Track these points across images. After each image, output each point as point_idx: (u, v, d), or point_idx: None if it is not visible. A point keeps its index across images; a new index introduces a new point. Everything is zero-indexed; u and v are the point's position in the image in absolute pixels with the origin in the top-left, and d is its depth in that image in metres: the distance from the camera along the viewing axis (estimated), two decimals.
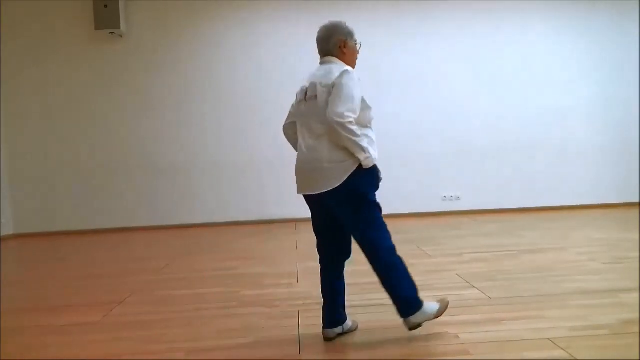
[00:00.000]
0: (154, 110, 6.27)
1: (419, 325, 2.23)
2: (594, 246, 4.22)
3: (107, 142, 6.24)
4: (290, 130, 2.41)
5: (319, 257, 2.40)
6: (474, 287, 3.11)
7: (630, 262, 3.59)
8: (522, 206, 6.54)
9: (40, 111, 6.16)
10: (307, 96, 2.22)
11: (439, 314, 2.29)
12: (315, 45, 2.40)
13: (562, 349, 2.13)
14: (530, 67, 6.55)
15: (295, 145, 2.40)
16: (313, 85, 2.22)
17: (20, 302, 3.23)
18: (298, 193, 2.31)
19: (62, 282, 3.72)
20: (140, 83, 6.25)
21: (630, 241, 4.36)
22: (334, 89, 2.10)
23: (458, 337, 2.31)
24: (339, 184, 2.11)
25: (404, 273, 2.23)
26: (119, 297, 3.21)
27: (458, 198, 6.36)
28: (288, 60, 6.32)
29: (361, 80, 2.17)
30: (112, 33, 6.02)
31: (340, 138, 2.07)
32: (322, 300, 2.35)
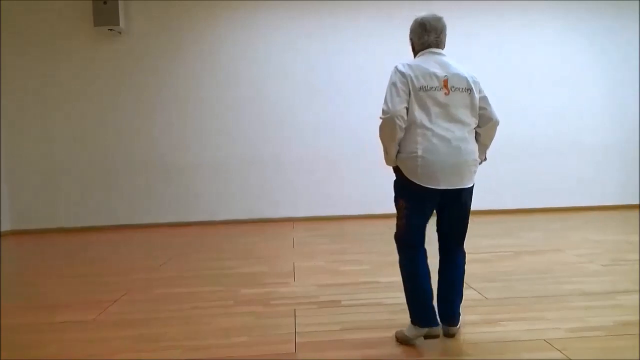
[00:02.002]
0: (152, 107, 6.26)
1: (453, 335, 2.33)
2: (593, 248, 4.21)
3: (105, 140, 6.22)
4: (404, 117, 2.13)
5: (413, 251, 2.26)
6: (471, 287, 3.11)
7: (629, 264, 3.59)
8: (521, 207, 6.54)
9: (39, 108, 6.14)
10: (452, 86, 2.14)
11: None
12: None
13: (559, 350, 2.12)
14: (531, 68, 6.55)
15: (398, 136, 2.15)
16: (459, 77, 2.16)
17: (16, 299, 3.22)
18: (433, 187, 2.13)
19: (58, 280, 3.70)
20: (139, 80, 6.23)
21: (629, 243, 4.36)
22: (480, 87, 2.23)
23: (455, 337, 2.31)
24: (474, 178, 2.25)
25: None
26: (115, 295, 3.20)
27: None
28: (288, 59, 6.32)
29: None
30: (111, 30, 6.01)
31: (491, 137, 2.30)
32: (413, 294, 2.26)
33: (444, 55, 2.24)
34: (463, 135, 2.16)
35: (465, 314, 2.60)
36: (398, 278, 2.90)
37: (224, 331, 2.48)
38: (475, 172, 2.24)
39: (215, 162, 6.33)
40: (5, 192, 6.05)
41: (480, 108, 2.22)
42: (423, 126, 2.13)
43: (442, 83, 2.14)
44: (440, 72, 2.15)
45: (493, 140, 2.35)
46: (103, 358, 2.22)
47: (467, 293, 2.98)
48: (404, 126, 2.14)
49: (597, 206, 6.62)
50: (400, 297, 2.92)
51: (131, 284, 3.45)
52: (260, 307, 2.85)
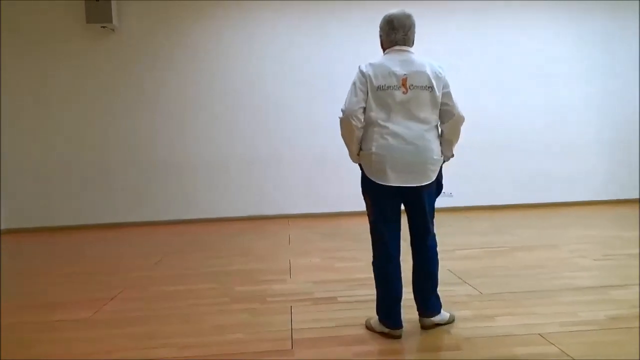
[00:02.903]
0: (147, 105, 6.22)
1: (435, 326, 2.37)
2: (585, 243, 4.25)
3: (100, 137, 6.18)
4: (361, 117, 2.19)
5: (383, 249, 2.29)
6: (466, 283, 3.13)
7: (620, 259, 3.64)
8: (514, 203, 6.59)
9: (32, 106, 6.08)
10: (410, 84, 2.15)
11: (450, 320, 2.44)
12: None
13: (553, 344, 2.15)
14: (525, 65, 6.58)
15: (357, 135, 2.22)
16: (420, 74, 2.16)
17: (12, 298, 3.20)
18: (386, 184, 2.18)
19: (54, 278, 3.69)
20: (132, 77, 6.19)
21: (621, 238, 4.40)
22: (445, 83, 2.22)
23: (450, 332, 2.33)
24: (436, 176, 2.25)
25: None
26: (111, 293, 3.19)
27: (451, 195, 6.39)
28: (285, 57, 6.30)
29: None
30: (104, 27, 5.95)
31: (455, 133, 2.27)
32: (380, 290, 2.33)
33: (410, 52, 2.25)
34: (420, 134, 2.18)
35: (460, 309, 2.62)
36: None
37: (220, 328, 2.49)
38: (433, 170, 2.21)
39: (210, 160, 6.31)
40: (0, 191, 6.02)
41: (443, 104, 2.22)
42: (379, 124, 2.18)
43: (401, 82, 2.17)
44: (400, 71, 2.17)
45: (460, 136, 2.31)
46: (99, 356, 2.22)
47: (461, 288, 3.02)
48: (360, 125, 2.20)
49: (589, 201, 6.68)
50: None
51: (127, 282, 3.44)
52: (256, 304, 2.86)
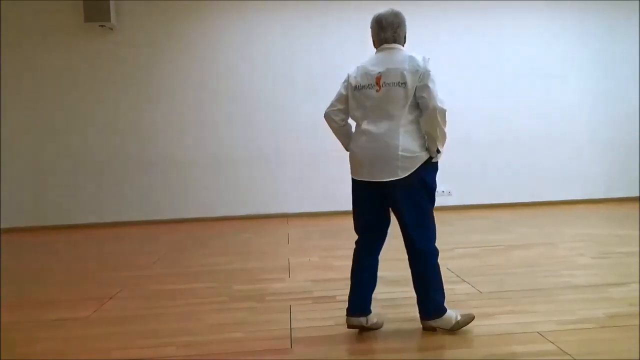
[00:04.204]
0: (145, 103, 6.21)
1: (434, 329, 2.32)
2: (583, 241, 4.27)
3: (97, 136, 6.17)
4: (337, 117, 2.38)
5: (358, 241, 2.40)
6: (465, 281, 3.14)
7: (618, 257, 3.65)
8: (512, 201, 6.60)
9: (30, 104, 6.07)
10: (383, 82, 2.17)
11: (455, 327, 2.29)
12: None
13: (551, 342, 2.16)
14: (524, 63, 6.58)
15: (339, 131, 2.43)
16: (394, 71, 2.16)
17: (10, 297, 3.20)
18: (357, 178, 2.30)
19: (52, 277, 3.69)
20: (131, 76, 6.18)
21: (618, 236, 4.42)
22: (423, 76, 2.12)
23: (448, 330, 2.34)
24: (408, 174, 2.16)
25: (440, 277, 2.31)
26: (109, 292, 3.19)
27: (449, 193, 6.40)
28: (285, 56, 6.29)
29: None
30: (102, 26, 5.94)
31: (432, 126, 2.14)
32: (350, 285, 2.35)
33: (396, 49, 2.26)
34: (388, 130, 2.17)
35: (458, 307, 2.62)
36: (389, 273, 2.93)
37: (219, 327, 2.49)
38: (402, 167, 2.14)
39: (209, 158, 6.31)
40: None
41: (419, 97, 2.14)
42: (358, 124, 2.30)
43: (375, 80, 2.21)
44: (375, 70, 2.22)
45: (443, 128, 2.16)
46: (99, 355, 2.22)
47: (460, 287, 3.02)
48: (336, 125, 2.39)
49: (587, 200, 6.70)
50: (393, 291, 2.94)
51: (126, 281, 3.44)
52: (255, 302, 2.86)
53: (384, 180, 2.18)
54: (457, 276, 3.26)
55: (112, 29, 6.06)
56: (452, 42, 6.38)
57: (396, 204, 2.24)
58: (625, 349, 2.08)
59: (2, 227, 6.02)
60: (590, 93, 6.72)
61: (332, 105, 2.39)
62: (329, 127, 2.46)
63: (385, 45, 2.28)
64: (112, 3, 5.90)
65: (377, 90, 2.19)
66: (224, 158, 6.32)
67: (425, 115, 2.15)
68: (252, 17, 6.27)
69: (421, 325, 2.35)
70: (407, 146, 2.15)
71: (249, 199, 6.35)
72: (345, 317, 2.30)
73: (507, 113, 6.50)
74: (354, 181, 2.34)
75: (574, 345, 2.12)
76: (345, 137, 2.43)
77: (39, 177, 6.12)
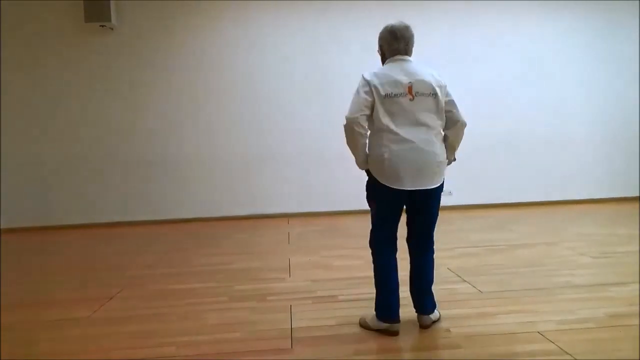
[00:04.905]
0: (145, 104, 6.21)
1: (429, 325, 2.40)
2: (583, 241, 4.26)
3: (98, 136, 6.17)
4: (365, 123, 2.26)
5: (385, 245, 2.39)
6: (465, 281, 3.14)
7: (619, 257, 3.65)
8: (512, 201, 6.59)
9: (30, 104, 6.07)
10: (416, 92, 2.25)
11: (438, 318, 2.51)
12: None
13: (552, 342, 2.16)
14: (523, 63, 6.58)
15: (362, 138, 2.28)
16: (424, 82, 2.26)
17: (10, 297, 3.20)
18: (396, 187, 2.23)
19: (52, 277, 3.69)
20: (131, 76, 6.17)
21: (619, 236, 4.42)
22: (446, 90, 2.34)
23: (449, 330, 2.34)
24: (443, 180, 2.33)
25: None
26: (109, 292, 3.19)
27: (450, 193, 6.39)
28: (284, 55, 6.29)
29: None
30: (102, 26, 5.94)
31: (458, 138, 2.38)
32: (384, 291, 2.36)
33: (410, 61, 2.36)
34: (427, 138, 2.26)
35: (459, 307, 2.63)
36: None
37: (220, 327, 2.49)
38: (439, 173, 2.30)
39: (209, 158, 6.30)
40: None
41: (447, 111, 2.33)
42: (390, 131, 2.25)
43: (407, 89, 2.25)
44: (405, 79, 2.26)
45: (460, 141, 2.42)
46: (99, 355, 2.22)
47: (460, 286, 3.02)
48: (363, 132, 2.28)
49: (587, 199, 6.69)
50: None
51: (126, 281, 3.44)
52: (256, 302, 2.86)
53: (429, 187, 2.26)
54: (458, 276, 3.26)
55: (112, 29, 6.06)
56: (452, 41, 6.39)
57: (426, 208, 2.35)
58: (625, 348, 2.08)
59: (2, 227, 6.02)
60: (590, 93, 6.71)
61: (358, 110, 2.23)
62: (347, 137, 2.28)
63: (399, 57, 2.35)
64: (112, 3, 5.89)
65: (410, 99, 2.25)
66: (224, 158, 6.31)
67: (454, 128, 2.35)
68: (252, 18, 6.27)
69: (419, 325, 2.38)
70: (442, 154, 2.32)
71: (249, 199, 6.34)
72: (389, 324, 2.31)
73: (507, 113, 6.50)
74: (386, 189, 2.26)
75: (574, 344, 2.12)
76: (364, 148, 2.33)
77: (39, 177, 6.12)
